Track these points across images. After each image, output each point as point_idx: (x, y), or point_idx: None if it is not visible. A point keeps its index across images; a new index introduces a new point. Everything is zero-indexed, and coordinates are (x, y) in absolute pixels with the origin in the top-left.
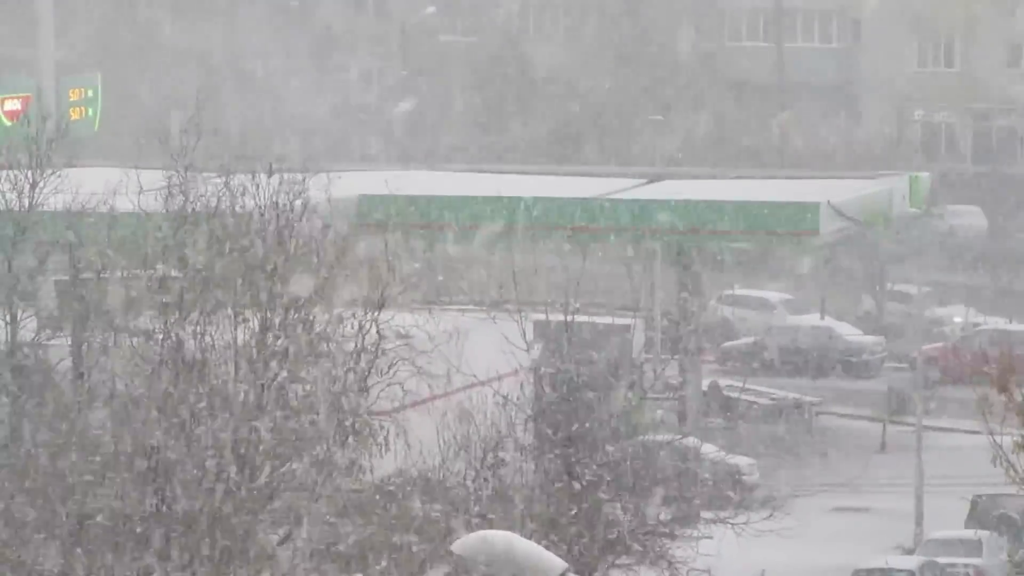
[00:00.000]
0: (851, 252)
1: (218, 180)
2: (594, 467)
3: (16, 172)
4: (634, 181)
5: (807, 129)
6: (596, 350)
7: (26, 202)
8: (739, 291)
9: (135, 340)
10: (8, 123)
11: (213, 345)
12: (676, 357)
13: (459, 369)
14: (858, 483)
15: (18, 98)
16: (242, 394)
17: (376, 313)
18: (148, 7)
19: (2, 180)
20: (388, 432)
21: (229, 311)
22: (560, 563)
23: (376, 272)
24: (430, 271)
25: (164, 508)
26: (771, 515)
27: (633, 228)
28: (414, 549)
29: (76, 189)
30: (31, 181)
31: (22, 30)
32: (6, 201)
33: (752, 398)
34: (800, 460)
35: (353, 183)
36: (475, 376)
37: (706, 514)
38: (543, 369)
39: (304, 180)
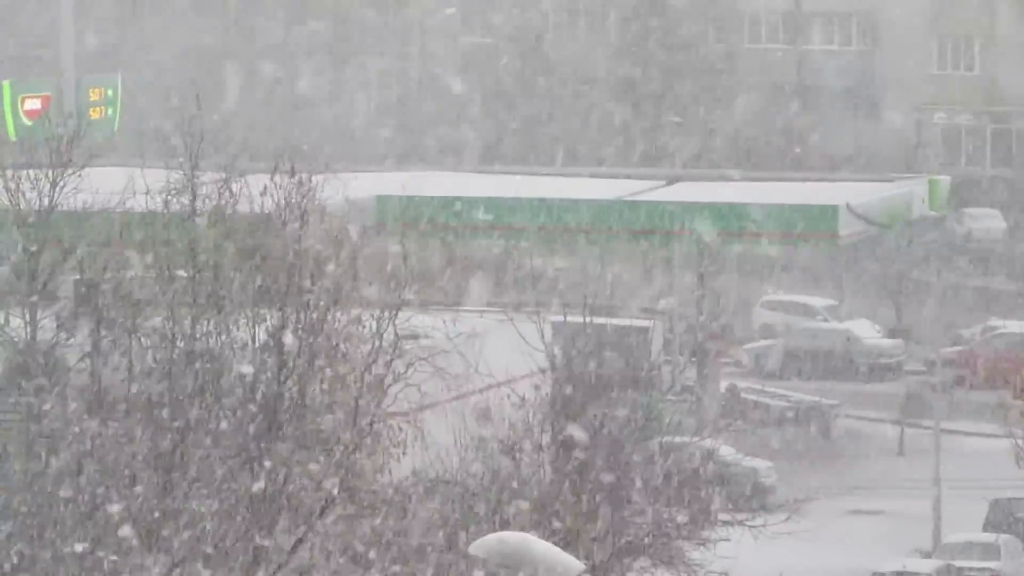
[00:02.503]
0: (872, 255)
1: (232, 180)
2: (611, 469)
3: (37, 171)
4: (653, 183)
5: (826, 131)
6: (614, 352)
7: (46, 202)
8: (782, 296)
9: (152, 340)
10: (29, 122)
11: (231, 345)
12: (694, 359)
13: (477, 370)
14: (876, 486)
15: (38, 97)
16: (259, 394)
17: (394, 314)
18: (165, 5)
19: (23, 180)
20: (405, 433)
21: (247, 311)
22: (577, 564)
23: (394, 273)
24: (447, 272)
25: (181, 508)
26: (789, 518)
27: (651, 230)
28: (430, 551)
29: (96, 189)
30: (51, 181)
31: (42, 30)
32: (26, 200)
33: (770, 401)
34: (818, 463)
35: (371, 184)
36: (493, 377)
37: (723, 516)
38: (560, 370)
39: (323, 181)
